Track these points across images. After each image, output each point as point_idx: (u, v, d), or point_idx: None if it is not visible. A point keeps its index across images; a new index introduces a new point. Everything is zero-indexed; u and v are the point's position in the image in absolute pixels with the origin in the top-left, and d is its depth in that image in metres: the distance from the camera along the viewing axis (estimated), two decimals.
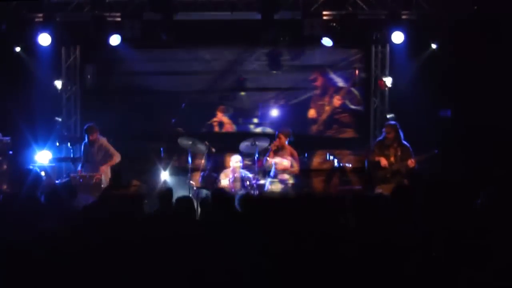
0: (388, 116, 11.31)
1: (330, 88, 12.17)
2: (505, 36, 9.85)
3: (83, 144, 10.08)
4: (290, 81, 12.13)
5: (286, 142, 10.06)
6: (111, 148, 9.92)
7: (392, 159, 8.93)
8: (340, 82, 12.16)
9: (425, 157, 8.91)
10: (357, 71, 12.19)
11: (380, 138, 9.34)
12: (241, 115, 12.28)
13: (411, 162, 8.81)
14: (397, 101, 11.38)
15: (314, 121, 12.12)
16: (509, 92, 10.06)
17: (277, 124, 11.58)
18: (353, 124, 12.03)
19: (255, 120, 12.31)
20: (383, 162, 8.89)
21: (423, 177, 8.26)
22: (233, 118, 12.20)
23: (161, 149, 10.93)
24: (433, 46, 10.89)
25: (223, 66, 12.16)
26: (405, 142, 9.02)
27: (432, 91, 10.77)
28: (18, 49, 11.06)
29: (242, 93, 12.27)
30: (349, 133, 11.97)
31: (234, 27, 11.17)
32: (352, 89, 12.16)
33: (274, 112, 12.25)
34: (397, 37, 10.65)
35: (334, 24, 10.82)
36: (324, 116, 12.09)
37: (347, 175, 11.00)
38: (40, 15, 10.75)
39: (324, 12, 10.77)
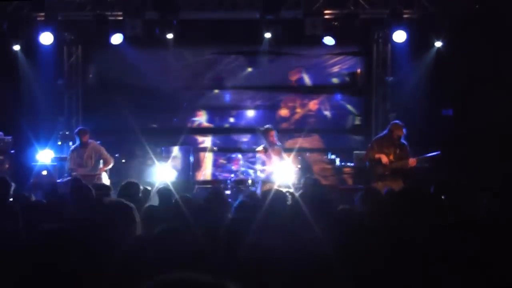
0: (389, 115, 11.31)
1: (304, 91, 12.22)
2: (506, 34, 9.84)
3: (71, 149, 9.97)
4: (268, 82, 12.19)
5: (277, 142, 9.76)
6: (104, 152, 9.86)
7: (391, 157, 8.87)
8: (310, 83, 12.24)
9: (428, 158, 8.86)
10: (358, 70, 12.20)
11: (381, 135, 9.24)
12: (217, 114, 12.31)
13: (412, 161, 8.75)
14: (399, 100, 11.37)
15: (285, 119, 12.15)
16: (511, 90, 10.04)
17: (253, 124, 11.67)
18: (321, 132, 12.04)
19: (231, 120, 12.35)
20: (384, 159, 8.82)
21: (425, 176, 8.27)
22: (210, 118, 12.25)
23: (162, 148, 10.97)
24: (435, 45, 10.87)
25: (207, 64, 12.23)
26: (403, 141, 8.97)
27: (434, 90, 10.76)
28: (19, 48, 11.06)
29: (216, 91, 12.30)
30: (314, 140, 11.91)
31: (235, 26, 11.19)
32: (331, 84, 12.22)
33: (250, 113, 12.29)
34: (399, 36, 10.64)
35: (336, 23, 10.82)
36: (297, 116, 12.13)
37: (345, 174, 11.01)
38: (42, 14, 10.76)
39: (326, 11, 10.76)
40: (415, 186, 5.65)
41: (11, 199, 5.58)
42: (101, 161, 9.88)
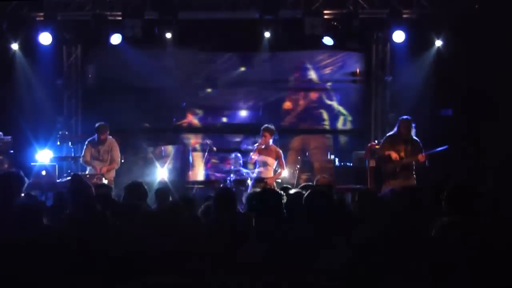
0: (388, 115, 11.32)
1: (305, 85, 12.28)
2: (506, 34, 9.83)
3: (88, 140, 10.00)
4: (266, 82, 12.21)
5: (271, 141, 9.82)
6: (115, 152, 9.87)
7: (402, 154, 8.83)
8: (316, 80, 12.25)
9: (437, 152, 8.83)
10: (358, 70, 12.20)
11: (391, 133, 9.19)
12: (210, 114, 12.31)
13: (421, 157, 8.72)
14: (398, 100, 11.37)
15: (288, 112, 12.18)
16: (510, 90, 10.05)
17: (246, 124, 11.70)
18: (327, 120, 12.05)
19: (224, 119, 12.36)
20: (394, 155, 8.79)
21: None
22: (202, 117, 12.24)
23: (162, 148, 10.97)
24: (435, 44, 10.88)
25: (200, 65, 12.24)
26: (415, 138, 8.93)
27: (433, 90, 10.76)
28: (18, 48, 11.05)
29: (209, 90, 12.31)
30: (318, 137, 11.92)
31: (235, 26, 11.19)
32: (327, 85, 12.22)
33: (243, 112, 12.31)
34: (398, 36, 10.66)
35: (335, 23, 10.82)
36: (299, 109, 12.16)
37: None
38: (41, 14, 10.77)
39: (325, 11, 10.76)
40: (413, 187, 5.68)
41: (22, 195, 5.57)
42: None
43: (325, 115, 12.25)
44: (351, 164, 11.08)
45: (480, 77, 10.18)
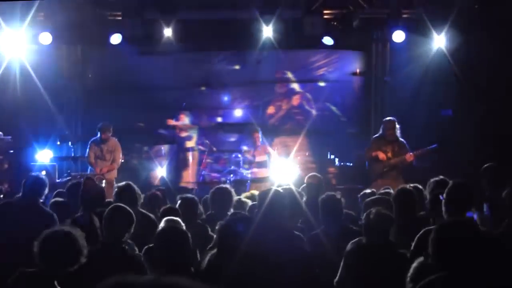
0: (388, 115, 11.33)
1: (289, 92, 12.36)
2: (506, 34, 9.84)
3: (91, 140, 10.01)
4: (259, 80, 12.23)
5: (260, 141, 9.97)
6: (117, 153, 9.89)
7: (389, 154, 8.91)
8: (297, 87, 12.28)
9: (425, 152, 8.89)
10: (357, 70, 12.20)
11: (377, 135, 9.30)
12: (205, 113, 12.32)
13: (409, 156, 8.81)
14: (398, 100, 11.37)
15: (271, 116, 12.27)
16: (510, 89, 10.05)
17: (242, 124, 11.74)
18: (306, 127, 12.04)
19: (219, 119, 12.36)
20: (381, 155, 8.89)
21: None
22: (198, 117, 12.23)
23: (162, 148, 10.98)
24: (434, 44, 10.87)
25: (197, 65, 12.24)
26: (401, 139, 9.02)
27: (433, 90, 10.76)
28: (19, 48, 11.03)
29: (203, 88, 12.30)
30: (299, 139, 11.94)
31: (235, 25, 11.19)
32: (307, 94, 12.25)
33: (238, 112, 12.33)
34: (398, 36, 10.65)
35: (335, 23, 10.82)
36: (281, 113, 12.21)
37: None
38: (41, 14, 10.75)
39: (325, 11, 10.76)
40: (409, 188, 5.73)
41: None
42: None
43: (319, 115, 12.23)
44: (351, 164, 11.11)
45: (480, 76, 10.18)
